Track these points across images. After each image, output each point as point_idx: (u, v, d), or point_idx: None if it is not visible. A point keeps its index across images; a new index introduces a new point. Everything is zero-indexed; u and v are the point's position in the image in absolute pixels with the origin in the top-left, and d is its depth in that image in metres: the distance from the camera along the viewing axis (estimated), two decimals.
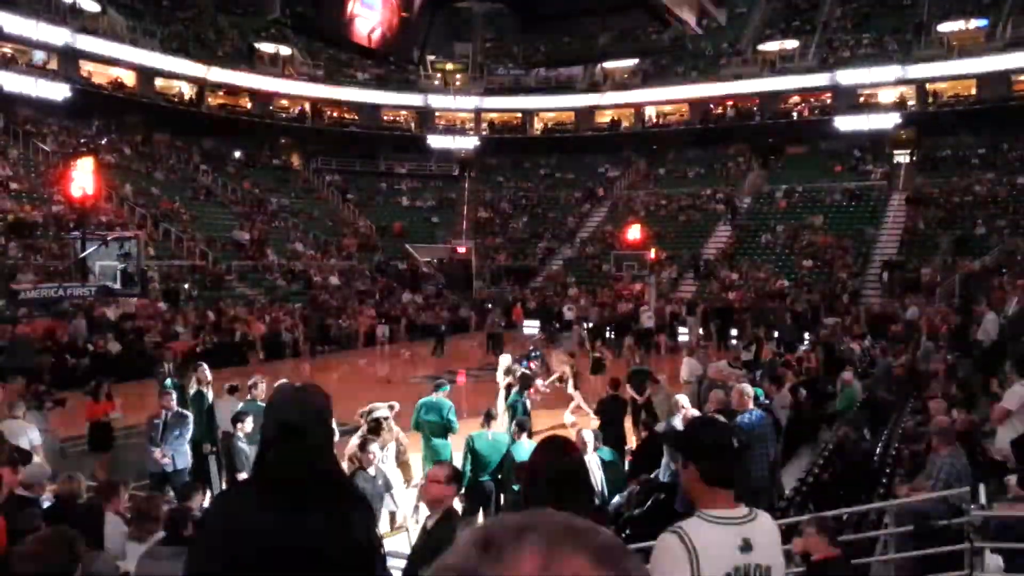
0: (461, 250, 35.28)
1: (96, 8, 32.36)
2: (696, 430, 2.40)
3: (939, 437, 6.64)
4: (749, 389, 7.98)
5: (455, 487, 4.28)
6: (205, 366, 10.33)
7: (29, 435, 7.58)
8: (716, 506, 2.24)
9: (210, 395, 9.86)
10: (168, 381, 10.97)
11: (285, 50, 38.31)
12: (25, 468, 5.95)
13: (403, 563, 4.15)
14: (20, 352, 15.86)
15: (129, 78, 33.92)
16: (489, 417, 7.94)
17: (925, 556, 5.57)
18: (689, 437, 2.38)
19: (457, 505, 5.55)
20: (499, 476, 7.43)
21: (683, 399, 8.92)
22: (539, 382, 12.72)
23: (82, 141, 30.17)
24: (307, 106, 40.01)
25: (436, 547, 3.86)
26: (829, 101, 36.33)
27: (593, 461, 7.03)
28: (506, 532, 0.67)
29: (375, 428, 7.74)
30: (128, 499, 5.81)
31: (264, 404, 8.92)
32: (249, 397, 9.51)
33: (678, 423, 8.09)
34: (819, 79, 35.75)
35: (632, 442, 10.59)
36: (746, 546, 2.19)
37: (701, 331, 24.52)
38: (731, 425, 2.50)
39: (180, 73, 34.90)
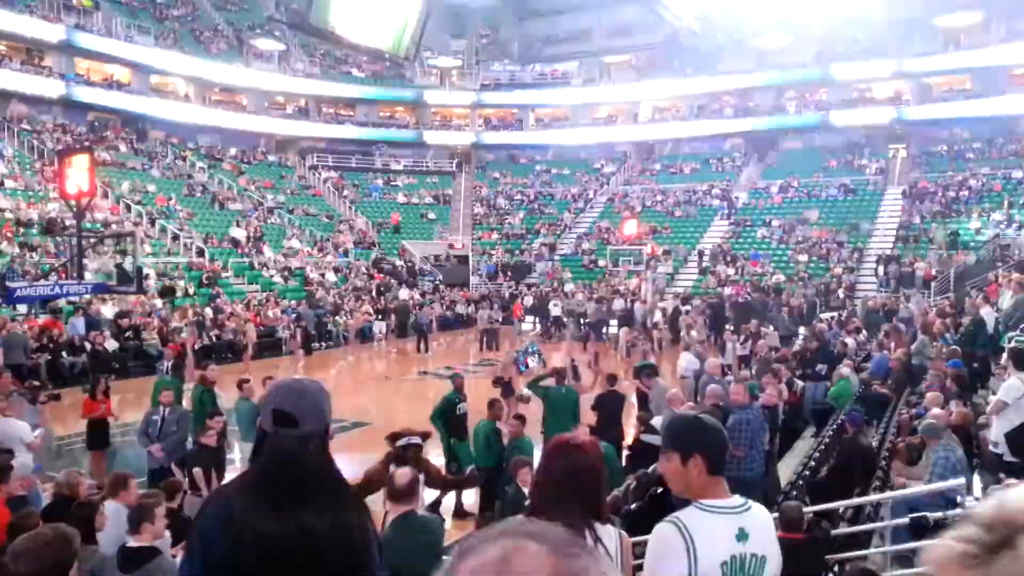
0: (458, 246, 35.29)
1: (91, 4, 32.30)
2: (696, 423, 2.43)
3: (926, 433, 6.69)
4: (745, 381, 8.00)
5: None
6: (213, 365, 10.40)
7: (20, 433, 7.56)
8: (714, 496, 2.27)
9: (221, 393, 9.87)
10: (166, 378, 11.00)
11: (280, 46, 38.22)
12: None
13: None
14: (13, 349, 15.85)
15: (124, 75, 33.84)
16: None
17: (921, 548, 5.59)
18: (692, 430, 2.39)
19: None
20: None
21: (679, 394, 8.95)
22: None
23: (77, 138, 30.07)
24: (303, 102, 39.96)
25: (394, 548, 3.88)
26: (824, 96, 36.38)
27: None
28: (482, 536, 0.80)
29: (403, 457, 6.35)
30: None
31: (251, 402, 9.01)
32: (241, 395, 9.54)
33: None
34: (814, 73, 35.82)
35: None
36: (742, 535, 2.21)
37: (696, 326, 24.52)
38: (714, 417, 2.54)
39: (175, 71, 34.80)
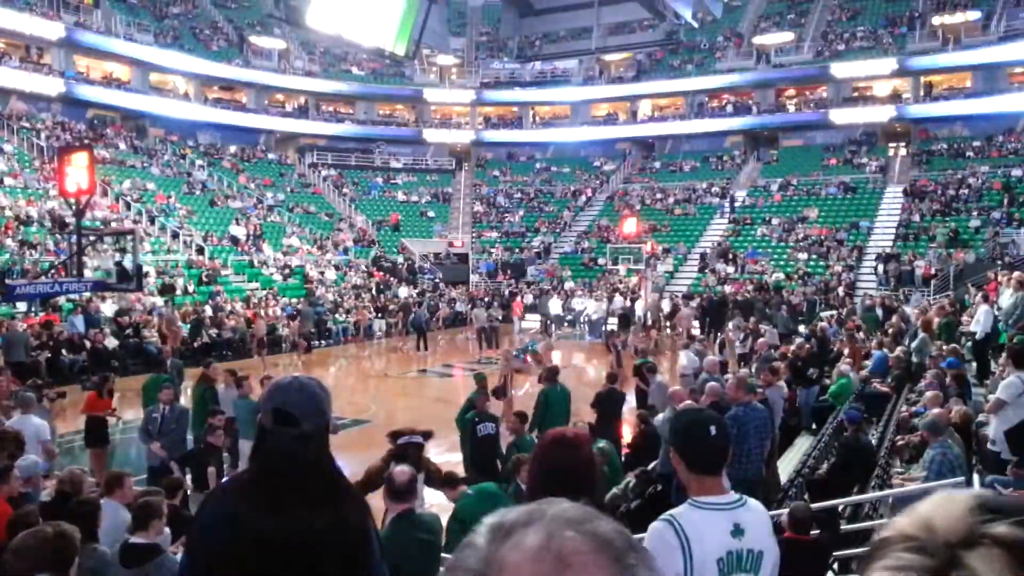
0: (457, 244, 35.27)
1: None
2: (676, 419, 2.50)
3: (926, 430, 6.71)
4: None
5: None
6: (215, 364, 10.41)
7: (39, 431, 7.57)
8: (705, 493, 2.28)
9: (225, 390, 9.85)
10: (158, 376, 10.99)
11: (280, 44, 38.20)
12: (18, 463, 5.98)
13: None
14: (13, 347, 15.84)
15: (124, 73, 33.83)
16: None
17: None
18: (673, 426, 2.47)
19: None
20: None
21: (681, 390, 8.95)
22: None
23: (77, 136, 30.05)
24: (303, 100, 39.94)
25: (394, 546, 3.89)
26: (824, 94, 36.38)
27: None
28: (518, 517, 0.74)
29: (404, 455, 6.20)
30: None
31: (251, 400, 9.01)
32: (240, 393, 9.54)
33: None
34: (814, 71, 35.81)
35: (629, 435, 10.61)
36: (737, 531, 2.23)
37: (697, 324, 24.54)
38: (712, 414, 2.56)
39: (175, 68, 34.76)
